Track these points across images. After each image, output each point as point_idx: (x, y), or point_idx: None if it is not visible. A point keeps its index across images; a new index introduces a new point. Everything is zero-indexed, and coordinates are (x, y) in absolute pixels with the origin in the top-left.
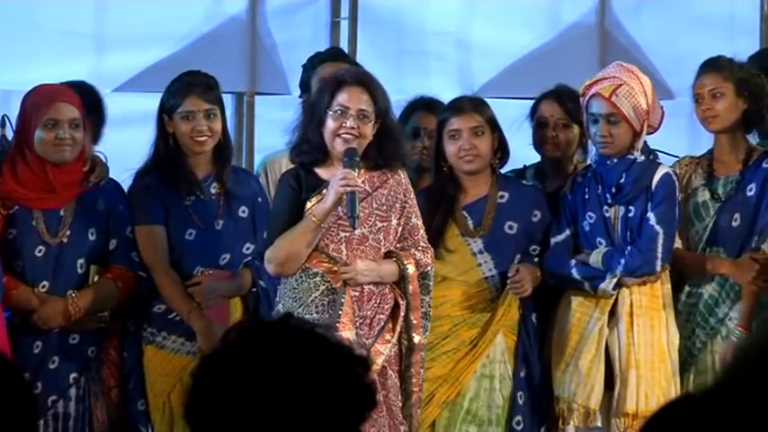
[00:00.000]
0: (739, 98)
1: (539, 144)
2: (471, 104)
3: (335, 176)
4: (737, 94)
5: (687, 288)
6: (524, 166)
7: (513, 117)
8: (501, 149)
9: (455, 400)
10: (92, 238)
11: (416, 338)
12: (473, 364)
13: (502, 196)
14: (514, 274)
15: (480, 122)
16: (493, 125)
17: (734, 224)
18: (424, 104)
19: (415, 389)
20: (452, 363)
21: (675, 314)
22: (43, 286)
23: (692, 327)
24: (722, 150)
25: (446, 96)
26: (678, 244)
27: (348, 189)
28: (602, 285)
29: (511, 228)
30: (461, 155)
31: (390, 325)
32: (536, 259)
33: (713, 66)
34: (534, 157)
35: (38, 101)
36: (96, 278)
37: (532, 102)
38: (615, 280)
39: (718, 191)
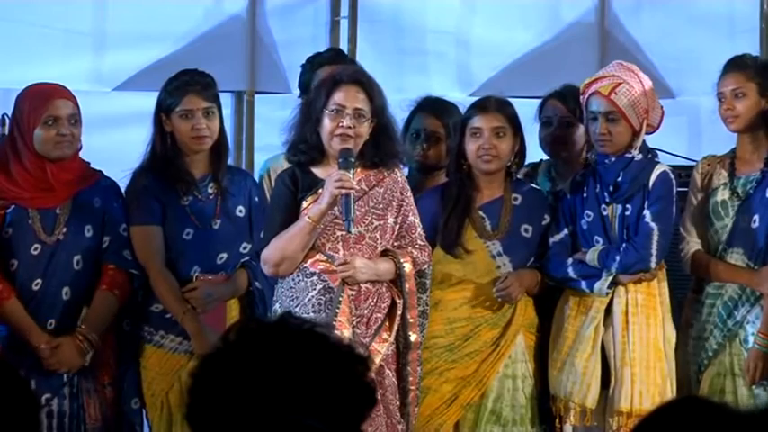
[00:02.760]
0: (762, 98)
1: (544, 143)
2: (496, 105)
3: (330, 178)
4: (761, 94)
5: (708, 289)
6: (540, 160)
7: None
8: (519, 153)
9: (479, 401)
10: (88, 235)
11: (413, 337)
12: (496, 364)
13: (516, 198)
14: (502, 281)
15: (503, 123)
16: (515, 128)
17: (753, 225)
18: (427, 106)
19: (412, 387)
20: (476, 364)
21: (695, 313)
22: (36, 284)
23: (711, 327)
24: (744, 149)
25: (446, 95)
26: (698, 245)
27: (343, 191)
28: (597, 285)
29: (526, 231)
30: (480, 153)
31: (387, 324)
32: (533, 260)
33: (737, 65)
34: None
35: (35, 99)
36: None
37: (532, 101)
38: (610, 279)
39: (738, 190)
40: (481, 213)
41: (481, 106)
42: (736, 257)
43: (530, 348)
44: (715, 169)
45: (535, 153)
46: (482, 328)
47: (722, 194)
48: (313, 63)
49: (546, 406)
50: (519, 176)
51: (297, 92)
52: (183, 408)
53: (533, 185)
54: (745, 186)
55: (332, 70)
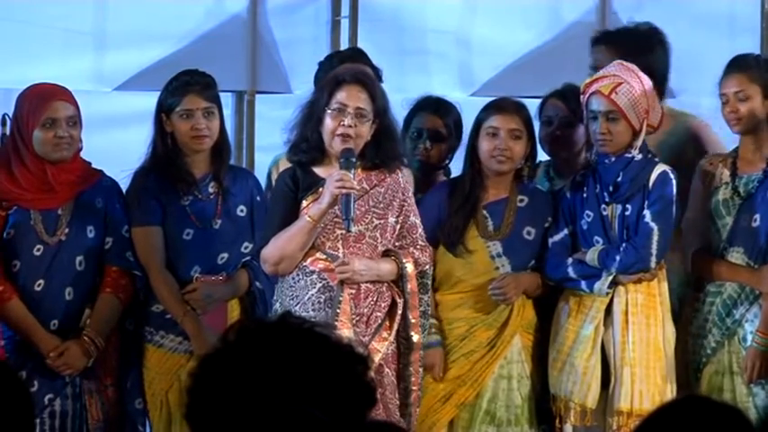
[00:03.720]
0: (766, 99)
1: (544, 142)
2: (515, 107)
3: (331, 177)
4: (764, 95)
5: (708, 287)
6: (539, 161)
7: None
8: (530, 157)
9: (474, 401)
10: (90, 235)
11: (415, 337)
12: (491, 365)
13: (521, 200)
14: (499, 280)
15: (519, 126)
16: (530, 131)
17: (754, 224)
18: (428, 105)
19: (414, 387)
20: (470, 364)
21: (694, 312)
22: (39, 285)
23: (710, 326)
24: (747, 149)
25: (447, 95)
26: (699, 243)
27: (344, 191)
28: (597, 285)
29: (529, 233)
30: (495, 154)
31: (388, 323)
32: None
33: (740, 66)
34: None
35: (34, 101)
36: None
37: (533, 100)
38: (610, 279)
39: (739, 189)
40: (485, 213)
41: (499, 107)
42: (737, 256)
43: (527, 349)
44: (717, 168)
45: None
46: (477, 329)
47: (724, 193)
48: (332, 60)
49: (546, 406)
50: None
51: (298, 91)
52: (183, 407)
53: (539, 188)
54: (746, 185)
55: (336, 70)
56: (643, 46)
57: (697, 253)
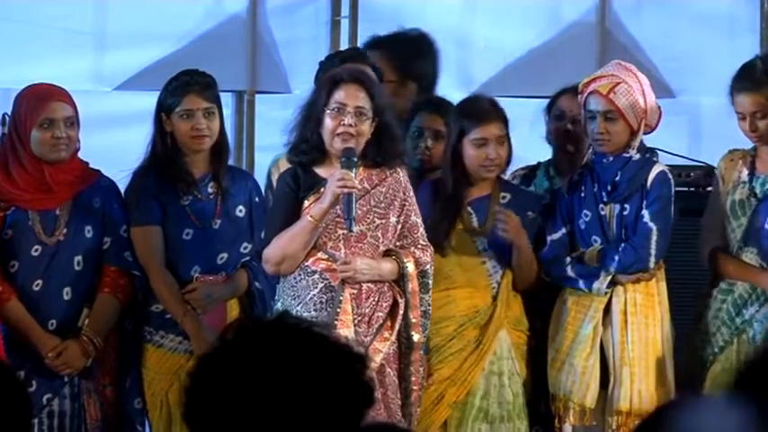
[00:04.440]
0: None
1: (554, 137)
2: (496, 112)
3: (333, 177)
4: None
5: (720, 285)
6: (538, 162)
7: (513, 116)
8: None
9: (465, 399)
10: (88, 235)
11: (415, 337)
12: (480, 362)
13: (504, 197)
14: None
15: (503, 131)
16: (508, 129)
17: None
18: (428, 104)
19: (415, 387)
20: (458, 363)
21: (704, 309)
22: (37, 285)
23: (719, 324)
24: (764, 149)
25: (447, 95)
26: (716, 241)
27: (345, 190)
28: (596, 284)
29: None
30: (485, 164)
31: (389, 323)
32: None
33: (753, 84)
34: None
35: (32, 101)
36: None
37: (532, 100)
38: (608, 278)
39: (756, 190)
40: (469, 209)
41: (482, 116)
42: (751, 257)
43: (517, 346)
44: (737, 165)
45: (534, 154)
46: (466, 328)
47: (741, 193)
48: (333, 60)
49: (540, 407)
50: (518, 177)
51: (297, 91)
52: (182, 407)
53: (521, 187)
54: (763, 186)
55: (333, 70)
56: (413, 52)
57: (713, 250)
